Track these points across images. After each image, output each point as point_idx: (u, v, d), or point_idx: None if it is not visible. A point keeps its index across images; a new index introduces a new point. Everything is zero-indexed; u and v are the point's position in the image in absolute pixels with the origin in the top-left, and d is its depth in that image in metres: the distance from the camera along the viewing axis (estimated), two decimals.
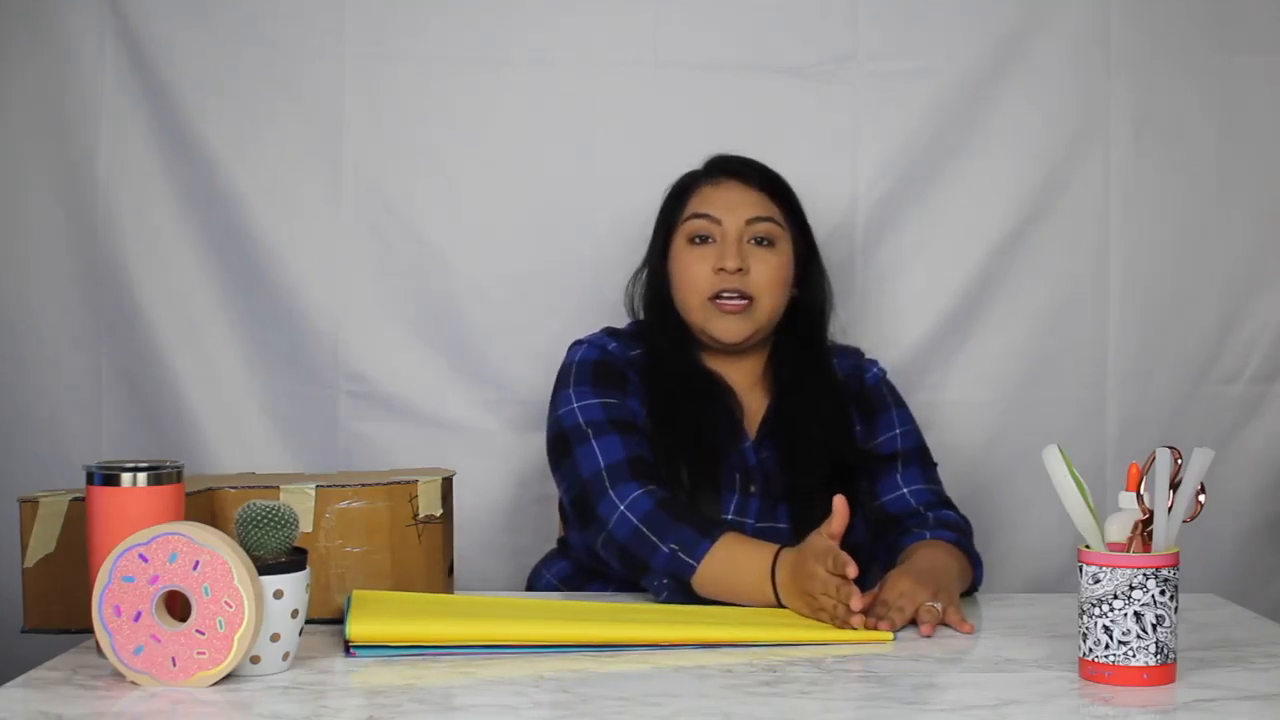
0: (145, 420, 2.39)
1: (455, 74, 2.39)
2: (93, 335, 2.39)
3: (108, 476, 1.49)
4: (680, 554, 1.78)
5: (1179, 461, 1.44)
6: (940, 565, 1.82)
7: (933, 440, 2.37)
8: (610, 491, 1.85)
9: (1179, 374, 2.42)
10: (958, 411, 2.42)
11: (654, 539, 1.80)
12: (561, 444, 1.95)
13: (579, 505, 1.90)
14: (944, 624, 1.69)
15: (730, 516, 1.96)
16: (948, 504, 2.02)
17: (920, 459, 2.05)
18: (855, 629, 1.63)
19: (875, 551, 2.01)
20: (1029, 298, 2.41)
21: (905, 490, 2.01)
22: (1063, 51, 2.39)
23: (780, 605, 1.73)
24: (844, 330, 2.37)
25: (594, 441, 1.91)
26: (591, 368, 2.00)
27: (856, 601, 1.62)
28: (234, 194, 2.36)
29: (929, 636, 1.65)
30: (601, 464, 1.88)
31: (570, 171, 2.38)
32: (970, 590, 1.90)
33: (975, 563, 1.92)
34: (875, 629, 1.65)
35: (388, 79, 2.38)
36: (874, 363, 2.13)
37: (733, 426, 2.01)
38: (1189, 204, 2.42)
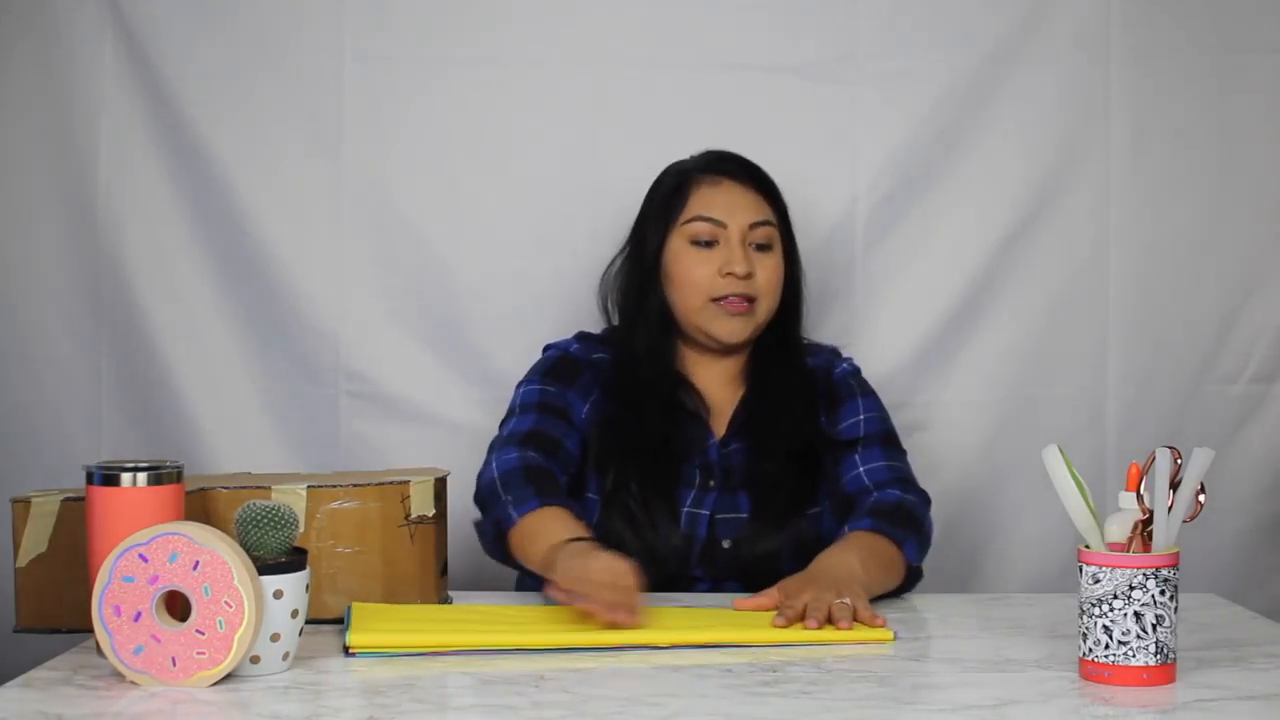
0: (145, 420, 2.39)
1: (455, 74, 2.39)
2: (93, 335, 2.39)
3: (108, 476, 1.49)
4: (509, 505, 1.83)
5: (1179, 461, 1.44)
6: (840, 564, 1.79)
7: (932, 440, 2.39)
8: (493, 453, 1.93)
9: (1179, 374, 2.42)
10: (958, 411, 2.41)
11: (501, 491, 1.86)
12: (501, 423, 2.02)
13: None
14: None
15: (687, 509, 1.97)
16: (901, 482, 1.99)
17: (883, 441, 2.03)
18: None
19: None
20: (1029, 298, 2.41)
21: (861, 469, 1.99)
22: (1063, 51, 2.39)
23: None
24: (844, 330, 2.39)
25: (516, 417, 1.99)
26: (550, 364, 2.06)
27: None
28: (234, 194, 2.36)
29: (848, 629, 1.63)
30: (506, 433, 1.97)
31: (571, 171, 2.38)
32: (909, 578, 1.89)
33: (902, 542, 1.88)
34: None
35: (388, 79, 2.38)
36: (848, 359, 2.13)
37: (698, 429, 2.03)
38: (1188, 204, 2.42)
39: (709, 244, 2.02)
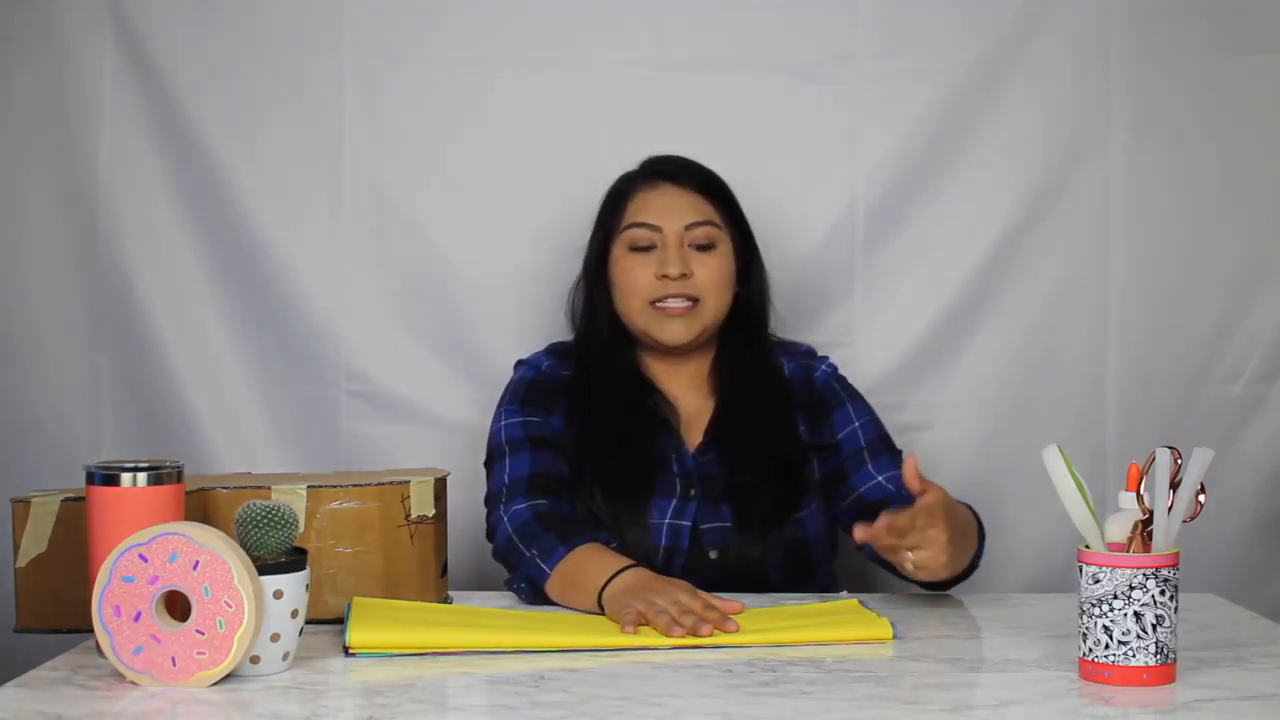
0: (145, 420, 2.39)
1: (455, 74, 2.39)
2: (93, 335, 2.39)
3: (108, 476, 1.49)
4: (538, 559, 1.83)
5: (1179, 461, 1.44)
6: (962, 516, 1.82)
7: (932, 440, 2.39)
8: (501, 505, 1.94)
9: (1179, 374, 2.42)
10: (958, 411, 2.41)
11: (521, 546, 1.86)
12: (488, 458, 2.04)
13: (486, 516, 1.98)
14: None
15: (668, 520, 1.97)
16: None
17: (886, 447, 2.05)
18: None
19: (836, 543, 2.01)
20: (1029, 297, 2.41)
21: (880, 478, 2.00)
22: (1062, 51, 2.39)
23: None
24: (844, 330, 2.39)
25: (508, 458, 1.99)
26: (525, 387, 2.06)
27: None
28: (234, 194, 2.36)
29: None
30: (506, 480, 1.96)
31: (570, 171, 2.38)
32: (971, 567, 1.89)
33: (981, 537, 1.91)
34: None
35: (388, 79, 2.38)
36: (824, 359, 2.13)
37: (670, 437, 2.03)
38: (1189, 204, 2.42)
39: (647, 249, 2.03)
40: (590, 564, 1.79)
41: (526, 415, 2.03)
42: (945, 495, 1.74)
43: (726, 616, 1.64)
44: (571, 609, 1.79)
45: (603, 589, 1.74)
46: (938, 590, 1.90)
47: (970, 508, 1.92)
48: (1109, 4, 2.39)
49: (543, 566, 1.82)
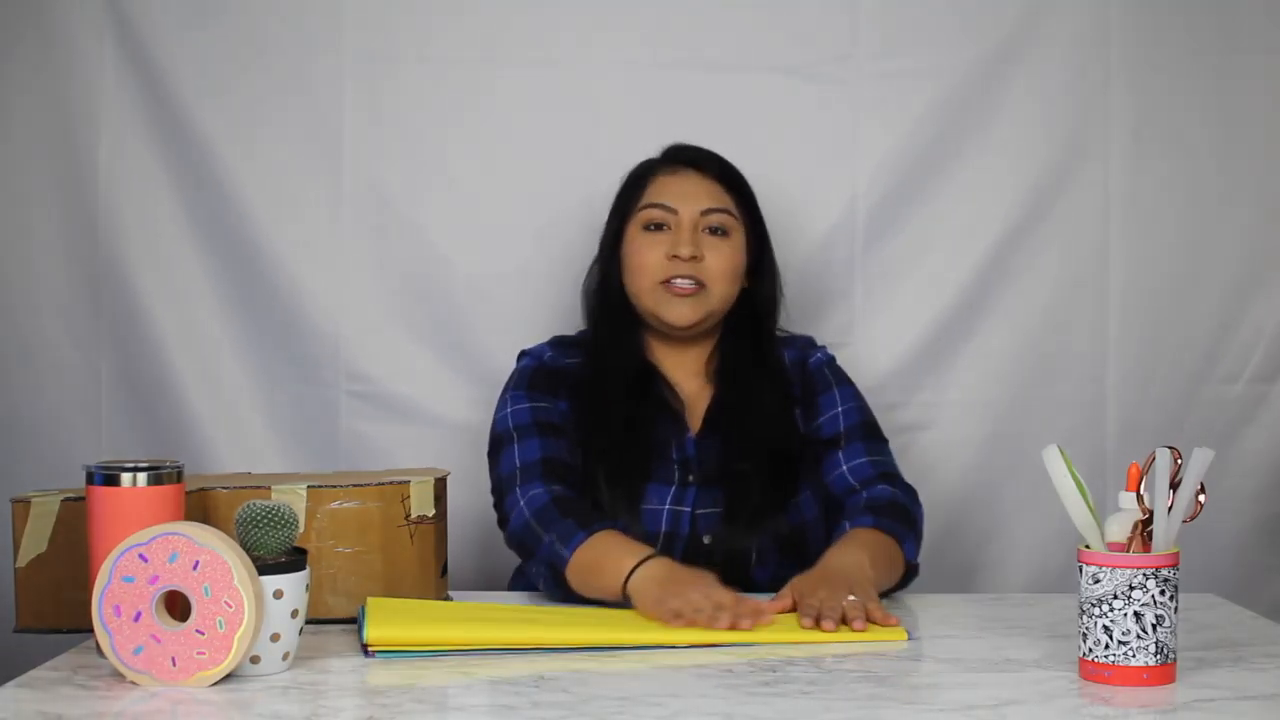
0: (145, 420, 2.39)
1: (455, 74, 2.39)
2: (93, 335, 2.39)
3: (108, 476, 1.49)
4: (557, 544, 1.82)
5: (1179, 461, 1.44)
6: (852, 562, 1.80)
7: (933, 440, 2.38)
8: (516, 488, 1.93)
9: (1179, 374, 2.42)
10: (958, 411, 2.42)
11: (539, 531, 1.85)
12: (494, 445, 2.02)
13: (496, 501, 1.98)
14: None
15: (668, 506, 1.97)
16: (889, 478, 1.99)
17: (865, 433, 2.03)
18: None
19: (830, 530, 2.01)
20: (1029, 298, 2.41)
21: (845, 468, 1.99)
22: (1062, 52, 2.39)
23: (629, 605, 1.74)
24: (844, 329, 2.39)
25: (517, 443, 1.97)
26: (530, 374, 2.06)
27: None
28: (234, 194, 2.36)
29: (863, 630, 1.64)
30: (518, 464, 1.95)
31: (570, 171, 2.38)
32: (907, 574, 1.89)
33: (902, 539, 1.89)
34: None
35: (388, 79, 2.38)
36: (822, 348, 2.13)
37: (672, 422, 2.03)
38: (1189, 204, 2.42)
39: (660, 227, 2.04)
40: (613, 551, 1.78)
41: (534, 401, 2.02)
42: (802, 577, 1.75)
43: (760, 610, 1.65)
44: (589, 597, 1.79)
45: (628, 578, 1.73)
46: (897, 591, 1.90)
47: (880, 525, 1.88)
48: (1109, 4, 2.39)
49: (561, 551, 1.81)
